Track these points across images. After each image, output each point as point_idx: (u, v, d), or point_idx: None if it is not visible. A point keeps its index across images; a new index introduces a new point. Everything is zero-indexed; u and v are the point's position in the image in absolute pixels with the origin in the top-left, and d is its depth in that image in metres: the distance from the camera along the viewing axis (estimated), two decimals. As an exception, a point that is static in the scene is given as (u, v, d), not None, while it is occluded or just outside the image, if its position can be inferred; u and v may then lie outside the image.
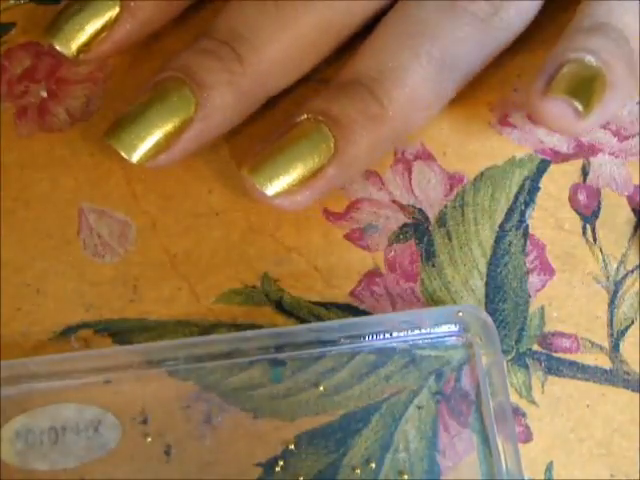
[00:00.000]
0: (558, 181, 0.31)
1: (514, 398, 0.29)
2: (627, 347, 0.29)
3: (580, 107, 0.27)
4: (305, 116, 0.29)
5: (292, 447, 0.28)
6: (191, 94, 0.28)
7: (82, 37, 0.30)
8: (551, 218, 0.31)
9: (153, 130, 0.28)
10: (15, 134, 0.32)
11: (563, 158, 0.32)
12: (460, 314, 0.28)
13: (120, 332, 0.29)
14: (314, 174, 0.28)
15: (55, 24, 0.30)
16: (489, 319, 0.28)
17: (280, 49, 0.29)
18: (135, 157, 0.28)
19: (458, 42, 0.29)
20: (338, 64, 0.31)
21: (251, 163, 0.28)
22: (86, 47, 0.30)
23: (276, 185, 0.28)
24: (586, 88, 0.27)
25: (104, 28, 0.30)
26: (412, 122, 0.30)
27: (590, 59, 0.27)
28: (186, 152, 0.29)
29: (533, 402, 0.29)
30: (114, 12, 0.30)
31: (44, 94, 0.33)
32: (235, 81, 0.29)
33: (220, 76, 0.29)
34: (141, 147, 0.28)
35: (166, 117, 0.28)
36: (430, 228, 0.31)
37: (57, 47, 0.30)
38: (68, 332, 0.29)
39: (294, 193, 0.28)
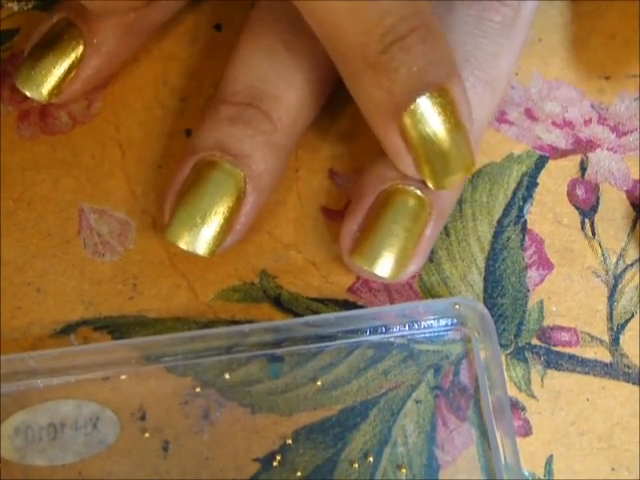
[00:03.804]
0: (556, 177, 0.31)
1: (513, 392, 0.28)
2: (627, 340, 0.29)
3: None
4: (388, 185, 0.27)
5: (290, 442, 0.28)
6: (235, 169, 0.27)
7: (52, 81, 0.30)
8: (549, 213, 0.31)
9: (213, 217, 0.27)
10: (17, 136, 0.32)
11: (561, 154, 0.32)
12: (457, 307, 0.28)
13: (119, 329, 0.29)
14: (418, 239, 0.27)
15: (23, 71, 0.30)
16: (486, 311, 0.27)
17: (300, 89, 0.29)
18: (202, 250, 0.27)
19: (497, 55, 0.29)
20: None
21: (356, 248, 0.27)
22: (57, 90, 0.30)
23: (388, 263, 0.27)
24: None
25: (71, 68, 0.30)
26: (480, 144, 0.30)
27: None
28: (249, 224, 0.28)
29: (532, 396, 0.28)
30: (79, 51, 0.30)
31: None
32: (271, 140, 0.28)
33: (255, 141, 0.28)
34: (202, 239, 0.27)
35: (220, 200, 0.27)
36: (428, 224, 0.31)
37: (28, 94, 0.30)
38: (68, 330, 0.30)
39: (407, 265, 0.27)
